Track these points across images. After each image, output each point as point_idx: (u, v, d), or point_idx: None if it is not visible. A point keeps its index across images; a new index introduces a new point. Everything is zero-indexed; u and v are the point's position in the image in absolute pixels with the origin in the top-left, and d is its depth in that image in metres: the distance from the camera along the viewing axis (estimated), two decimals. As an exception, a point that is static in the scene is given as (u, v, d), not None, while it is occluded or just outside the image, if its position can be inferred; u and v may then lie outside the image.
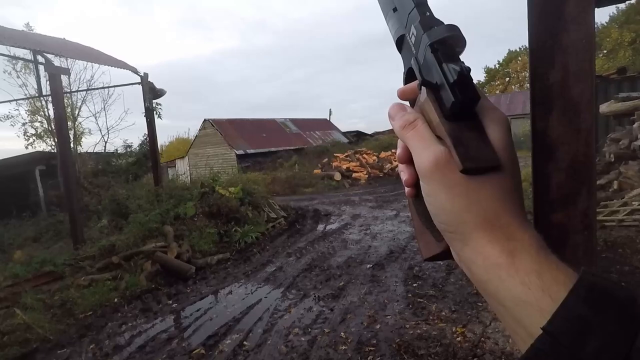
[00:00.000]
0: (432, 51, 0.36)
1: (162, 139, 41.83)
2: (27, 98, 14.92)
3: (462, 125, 0.35)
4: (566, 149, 0.76)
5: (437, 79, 0.36)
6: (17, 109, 18.09)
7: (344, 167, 17.07)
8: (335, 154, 19.17)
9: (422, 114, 0.38)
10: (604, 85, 8.79)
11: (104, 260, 6.07)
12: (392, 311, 4.15)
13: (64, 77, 8.30)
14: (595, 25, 0.82)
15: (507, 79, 45.54)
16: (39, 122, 15.69)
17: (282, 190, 14.72)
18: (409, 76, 0.42)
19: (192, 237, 7.16)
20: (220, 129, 22.65)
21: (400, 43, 0.44)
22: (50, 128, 14.85)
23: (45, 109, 14.99)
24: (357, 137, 28.66)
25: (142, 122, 9.81)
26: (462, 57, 0.37)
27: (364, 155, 18.61)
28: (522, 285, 0.30)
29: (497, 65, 46.34)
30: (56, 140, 10.64)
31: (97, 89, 14.71)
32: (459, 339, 3.47)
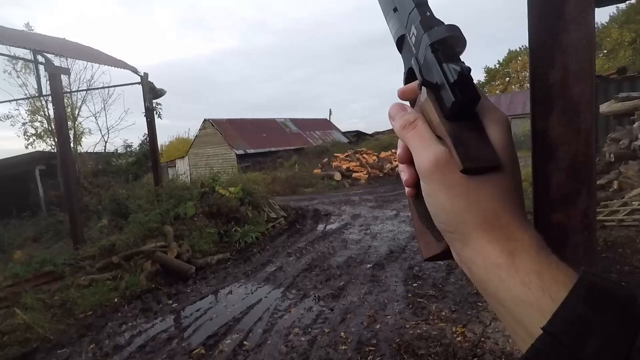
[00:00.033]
0: (432, 51, 0.36)
1: (162, 139, 41.91)
2: (27, 98, 14.94)
3: (462, 125, 0.35)
4: (566, 149, 0.76)
5: (438, 79, 0.36)
6: (17, 109, 18.17)
7: (344, 167, 17.07)
8: (335, 154, 19.18)
9: (422, 114, 0.38)
10: (604, 85, 8.80)
11: (104, 260, 6.07)
12: (392, 311, 4.15)
13: (64, 77, 8.30)
14: (595, 25, 0.82)
15: (507, 79, 45.54)
16: (39, 122, 15.73)
17: (282, 190, 14.72)
18: (409, 76, 0.42)
19: (192, 237, 7.16)
20: (220, 129, 22.66)
21: (400, 43, 0.44)
22: (50, 128, 14.86)
23: (45, 109, 15.01)
24: (357, 137, 28.67)
25: (142, 122, 9.83)
26: (462, 57, 0.37)
27: (364, 155, 18.61)
28: (522, 285, 0.30)
29: (497, 65, 46.36)
30: (56, 140, 10.64)
31: (97, 88, 14.73)
32: (459, 338, 3.47)
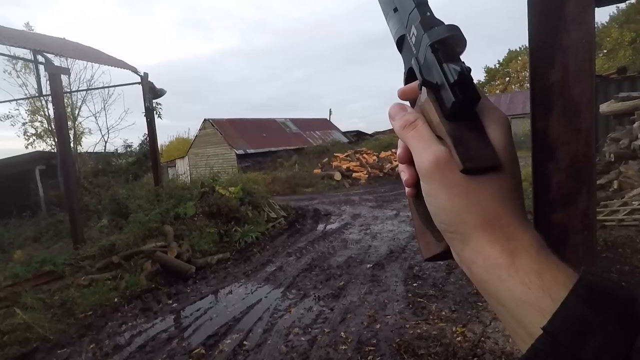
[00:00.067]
0: (432, 51, 0.36)
1: (162, 139, 41.89)
2: (27, 98, 14.93)
3: (462, 125, 0.35)
4: (566, 149, 0.76)
5: (438, 79, 0.36)
6: (17, 109, 18.15)
7: (344, 166, 17.07)
8: (335, 154, 19.18)
9: (422, 114, 0.38)
10: (604, 85, 8.80)
11: (104, 260, 6.07)
12: (392, 311, 4.15)
13: (64, 77, 8.30)
14: (595, 25, 0.82)
15: (507, 78, 45.52)
16: (39, 121, 15.73)
17: (282, 190, 14.72)
18: (409, 76, 0.42)
19: (192, 237, 7.16)
20: (220, 129, 22.65)
21: (400, 43, 0.44)
22: (50, 128, 14.85)
23: (45, 109, 15.00)
24: (357, 137, 28.67)
25: (142, 121, 9.83)
26: (462, 57, 0.37)
27: (364, 155, 18.61)
28: (522, 285, 0.30)
29: (497, 65, 46.33)
30: (56, 140, 10.63)
31: (97, 88, 14.71)
32: (459, 338, 3.47)
